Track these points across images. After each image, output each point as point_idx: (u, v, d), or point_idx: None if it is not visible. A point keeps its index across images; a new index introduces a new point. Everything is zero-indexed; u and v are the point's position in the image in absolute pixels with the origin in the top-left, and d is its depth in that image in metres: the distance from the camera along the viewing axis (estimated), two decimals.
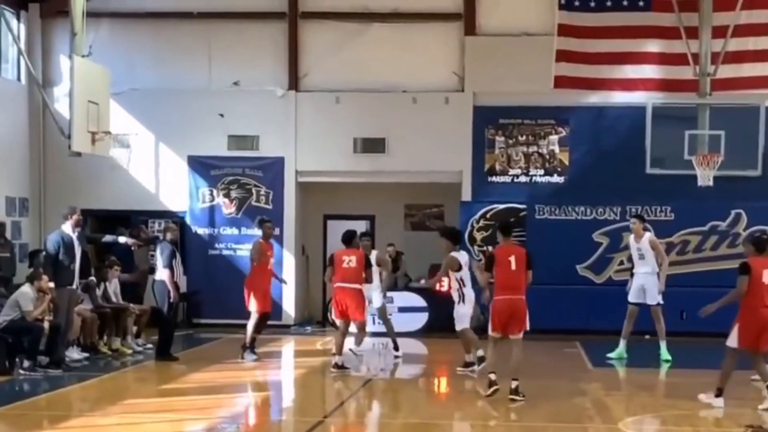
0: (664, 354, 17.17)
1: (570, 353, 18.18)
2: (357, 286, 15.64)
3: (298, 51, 21.85)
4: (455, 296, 15.48)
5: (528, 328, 13.18)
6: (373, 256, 17.13)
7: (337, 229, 22.42)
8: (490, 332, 13.26)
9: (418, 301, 20.83)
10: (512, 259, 13.14)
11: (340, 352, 15.65)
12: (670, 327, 18.01)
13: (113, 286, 17.92)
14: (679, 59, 19.88)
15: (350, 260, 15.64)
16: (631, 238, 17.60)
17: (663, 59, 20.26)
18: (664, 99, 20.41)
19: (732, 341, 12.72)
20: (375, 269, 16.93)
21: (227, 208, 21.99)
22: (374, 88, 21.57)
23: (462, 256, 15.58)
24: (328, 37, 21.81)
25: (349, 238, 15.93)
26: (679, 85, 20.09)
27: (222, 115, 21.74)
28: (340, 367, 15.44)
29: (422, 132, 21.44)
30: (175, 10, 21.95)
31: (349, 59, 21.64)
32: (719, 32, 19.42)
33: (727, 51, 19.50)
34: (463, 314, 15.53)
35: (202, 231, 22.00)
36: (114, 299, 17.83)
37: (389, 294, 20.53)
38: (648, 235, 17.42)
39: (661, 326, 17.34)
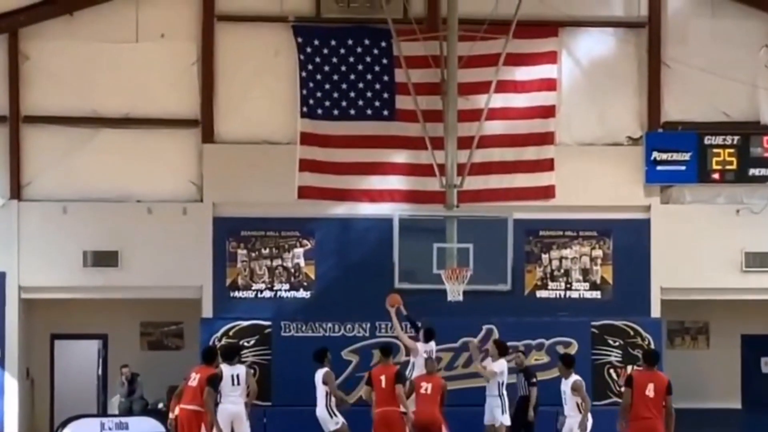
0: None
1: None
2: (193, 407, 14.96)
3: (21, 157, 20.65)
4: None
5: None
6: None
7: (65, 349, 21.74)
8: None
9: (156, 426, 19.63)
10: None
11: None
12: None
13: None
14: (425, 170, 19.98)
15: (194, 378, 15.20)
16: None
17: (409, 170, 20.38)
18: (411, 211, 20.47)
19: None
20: None
21: None
22: (106, 197, 20.62)
23: None
24: (54, 143, 20.71)
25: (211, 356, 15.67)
26: (426, 196, 20.15)
27: None
28: None
29: (159, 244, 20.58)
30: None
31: (77, 167, 20.65)
32: (465, 143, 19.50)
33: (473, 162, 19.63)
34: None
35: None
36: None
37: (123, 420, 19.63)
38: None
39: None
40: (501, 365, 17.72)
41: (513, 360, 18.58)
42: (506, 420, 17.59)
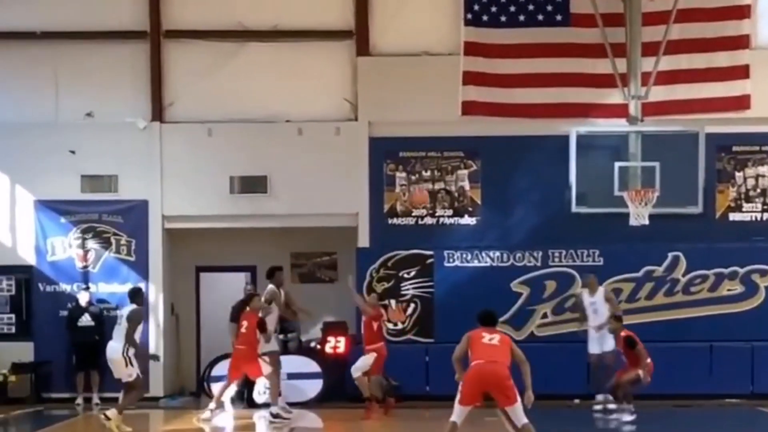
0: None
1: (492, 423, 16.52)
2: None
3: (162, 76, 20.61)
4: None
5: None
6: None
7: (211, 282, 21.63)
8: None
9: (312, 366, 19.36)
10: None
11: None
12: None
13: None
14: (604, 80, 19.22)
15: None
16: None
17: (586, 81, 19.53)
18: (589, 126, 19.70)
19: None
20: None
21: (81, 261, 20.38)
22: (253, 117, 20.43)
23: None
24: (197, 60, 20.58)
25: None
26: (605, 110, 19.48)
27: (73, 152, 20.30)
28: None
29: (310, 168, 20.30)
30: (13, 29, 20.48)
31: (222, 85, 20.47)
32: (649, 49, 18.74)
33: (659, 71, 18.76)
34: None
35: (52, 288, 20.31)
36: None
37: None
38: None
39: None
40: None
41: None
42: None
